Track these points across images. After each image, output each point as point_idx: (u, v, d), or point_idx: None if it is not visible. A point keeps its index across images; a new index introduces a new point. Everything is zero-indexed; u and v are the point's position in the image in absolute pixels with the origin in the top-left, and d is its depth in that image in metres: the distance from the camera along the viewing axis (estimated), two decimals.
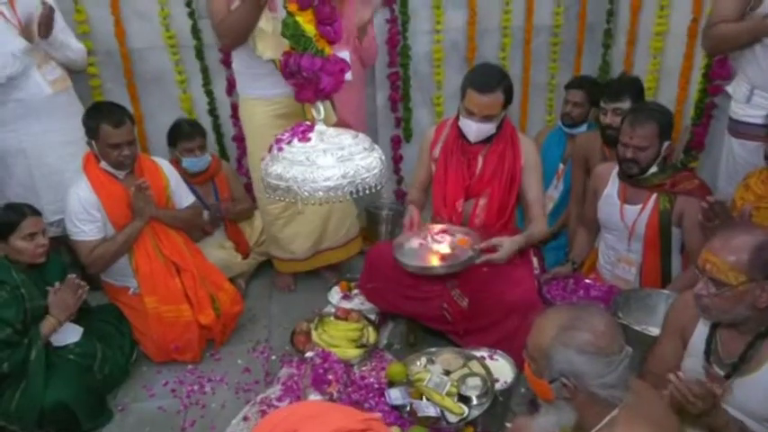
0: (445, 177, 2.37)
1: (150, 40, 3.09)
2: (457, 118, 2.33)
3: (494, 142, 2.32)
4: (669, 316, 1.74)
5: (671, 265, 2.32)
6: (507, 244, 2.21)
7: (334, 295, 2.63)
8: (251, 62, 2.52)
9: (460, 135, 2.33)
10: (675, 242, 2.30)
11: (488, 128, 2.25)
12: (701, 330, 1.61)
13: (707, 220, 1.96)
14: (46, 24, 2.50)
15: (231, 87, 3.15)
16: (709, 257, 1.46)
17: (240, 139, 3.24)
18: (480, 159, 2.33)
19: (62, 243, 2.81)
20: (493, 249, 2.21)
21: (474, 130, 2.25)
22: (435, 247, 2.25)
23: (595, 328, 1.27)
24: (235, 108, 3.17)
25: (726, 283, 1.43)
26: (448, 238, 2.30)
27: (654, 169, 2.23)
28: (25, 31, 2.49)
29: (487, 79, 2.18)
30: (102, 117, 2.36)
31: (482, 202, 2.33)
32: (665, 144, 2.20)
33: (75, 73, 2.86)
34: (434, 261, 2.20)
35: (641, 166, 2.21)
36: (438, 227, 2.35)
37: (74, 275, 2.22)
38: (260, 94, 2.60)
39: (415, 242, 2.31)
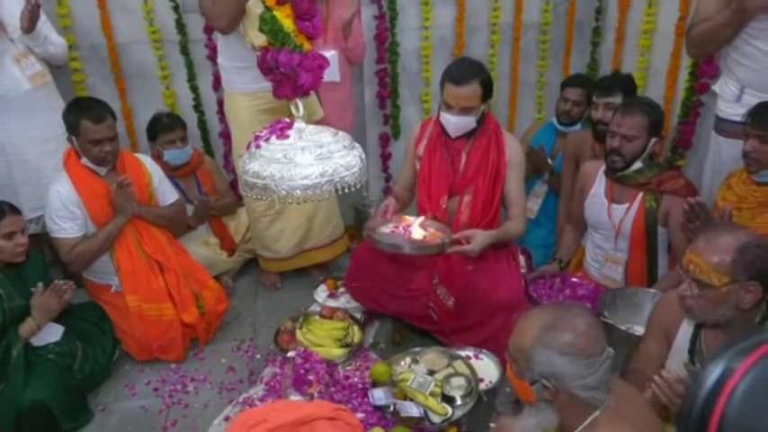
0: (429, 174, 2.35)
1: (133, 35, 3.04)
2: (439, 114, 2.31)
3: (476, 138, 2.30)
4: (653, 315, 1.73)
5: (657, 264, 2.31)
6: (480, 237, 2.17)
7: (321, 294, 2.62)
8: (235, 55, 2.50)
9: (443, 131, 2.31)
10: (662, 241, 2.29)
11: (467, 121, 2.23)
12: (685, 330, 1.61)
13: (688, 222, 1.95)
14: (31, 18, 2.46)
15: (218, 83, 3.11)
16: (693, 258, 1.46)
17: (227, 136, 3.20)
18: (464, 156, 2.32)
19: (43, 240, 2.77)
20: (466, 241, 2.18)
21: (453, 123, 2.23)
22: (409, 232, 2.24)
23: (576, 329, 1.26)
24: (222, 104, 3.14)
25: (709, 284, 1.42)
26: (420, 228, 2.28)
27: (638, 165, 2.22)
28: None
29: (463, 71, 2.18)
30: (82, 113, 2.32)
31: (467, 198, 2.31)
32: (653, 140, 2.20)
33: (58, 68, 2.82)
34: (405, 244, 2.18)
35: (626, 159, 2.20)
36: (410, 219, 2.32)
37: (61, 281, 2.18)
38: (244, 89, 2.58)
39: (387, 228, 2.29)
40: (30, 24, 2.48)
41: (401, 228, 2.28)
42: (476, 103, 2.20)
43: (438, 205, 2.32)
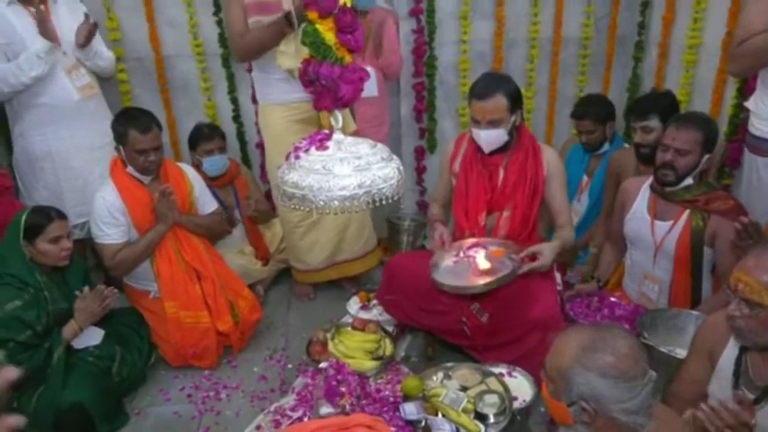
0: (466, 191, 2.34)
1: (178, 48, 3.15)
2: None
3: (513, 153, 2.28)
4: (697, 337, 1.67)
5: (701, 286, 2.24)
6: (548, 250, 2.16)
7: (353, 305, 2.61)
8: (267, 67, 2.56)
9: (478, 147, 2.30)
10: (707, 262, 2.21)
11: (497, 134, 2.21)
12: (730, 352, 1.54)
13: (740, 240, 1.88)
14: (87, 36, 2.57)
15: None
16: (742, 277, 1.40)
17: (263, 146, 3.26)
18: (501, 171, 2.29)
19: (86, 245, 2.85)
20: (533, 258, 2.16)
21: (483, 138, 2.22)
22: (474, 262, 2.16)
23: (618, 351, 1.22)
24: None
25: (760, 303, 1.37)
26: (482, 251, 2.23)
27: (689, 181, 2.16)
28: (44, 32, 2.52)
29: (486, 85, 2.18)
30: (130, 123, 2.40)
31: (505, 214, 2.29)
32: (706, 157, 2.13)
33: (106, 79, 2.92)
34: (475, 280, 2.09)
35: (678, 173, 2.13)
36: (470, 241, 2.28)
37: (104, 286, 2.25)
38: (277, 100, 2.63)
39: (449, 259, 2.23)
40: (86, 41, 2.60)
41: (462, 255, 2.22)
42: (503, 115, 2.17)
43: (476, 222, 2.30)
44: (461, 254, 2.24)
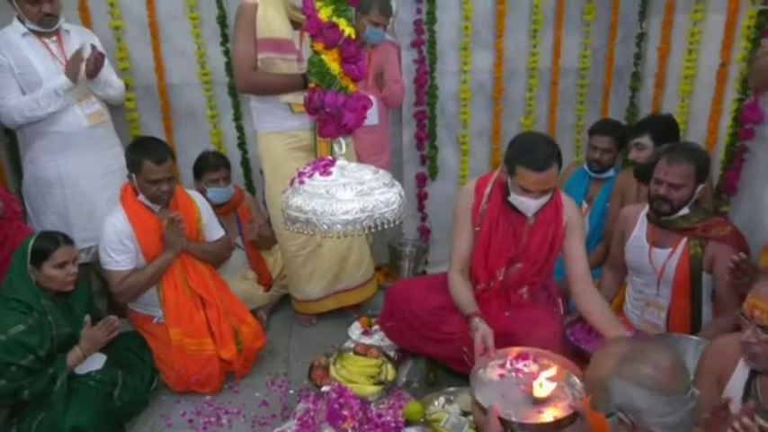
0: (489, 245, 2.24)
1: (186, 77, 3.22)
2: (503, 190, 2.18)
3: (541, 211, 2.18)
4: (703, 362, 1.67)
5: (701, 311, 2.25)
6: None
7: (355, 330, 2.62)
8: (267, 97, 2.62)
9: (507, 204, 2.19)
10: (706, 288, 2.23)
11: (545, 200, 2.13)
12: (739, 377, 1.55)
13: (736, 278, 1.90)
14: (95, 68, 2.63)
15: None
16: (759, 303, 1.42)
17: None
18: (526, 229, 2.21)
19: (92, 269, 2.87)
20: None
21: (533, 206, 2.12)
22: (528, 386, 1.70)
23: (657, 363, 1.23)
24: None
25: None
26: (534, 366, 1.80)
27: (685, 211, 2.19)
28: (71, 72, 2.61)
29: (543, 156, 2.01)
30: (145, 153, 2.42)
31: (519, 265, 2.25)
32: (700, 187, 2.17)
33: (116, 107, 2.98)
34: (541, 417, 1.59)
35: (673, 205, 2.17)
36: (516, 350, 1.87)
37: (114, 317, 2.27)
38: (276, 128, 2.68)
39: (494, 371, 1.82)
40: (93, 73, 2.65)
41: (510, 366, 1.82)
42: (556, 181, 2.10)
43: (494, 276, 2.25)
44: (508, 365, 1.84)
